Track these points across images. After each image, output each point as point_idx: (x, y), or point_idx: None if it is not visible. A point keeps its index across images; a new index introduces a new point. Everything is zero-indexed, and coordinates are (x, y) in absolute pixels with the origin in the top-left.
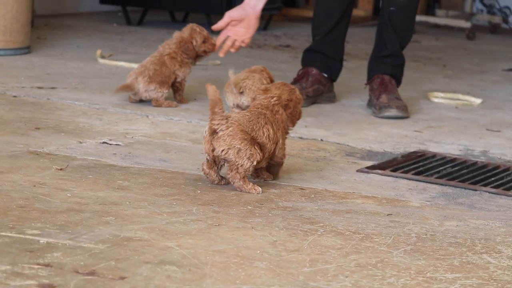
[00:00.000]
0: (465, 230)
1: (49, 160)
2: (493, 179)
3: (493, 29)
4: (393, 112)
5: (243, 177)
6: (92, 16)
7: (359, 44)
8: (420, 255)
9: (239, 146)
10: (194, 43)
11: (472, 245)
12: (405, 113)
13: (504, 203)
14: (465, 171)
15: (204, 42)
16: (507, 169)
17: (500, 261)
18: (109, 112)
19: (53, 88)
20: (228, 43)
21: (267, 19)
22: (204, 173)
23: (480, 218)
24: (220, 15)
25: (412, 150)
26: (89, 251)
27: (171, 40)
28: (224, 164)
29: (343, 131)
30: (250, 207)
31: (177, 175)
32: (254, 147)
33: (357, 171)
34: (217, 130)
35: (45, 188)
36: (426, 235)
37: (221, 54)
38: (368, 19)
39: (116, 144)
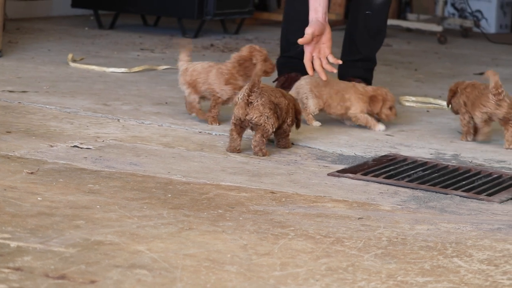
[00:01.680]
0: (436, 234)
1: (19, 163)
2: (464, 182)
3: (465, 33)
4: None
5: (264, 143)
6: (63, 20)
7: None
8: (391, 259)
9: (268, 114)
10: (255, 61)
11: (443, 249)
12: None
13: (475, 206)
14: (436, 174)
15: (265, 61)
16: (478, 173)
17: (471, 265)
18: (80, 116)
19: (24, 91)
20: (317, 63)
21: (238, 23)
22: (232, 138)
23: (451, 222)
24: (192, 19)
25: (383, 153)
26: (60, 255)
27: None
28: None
29: (314, 135)
30: (221, 211)
31: (148, 178)
32: (275, 116)
33: (328, 175)
34: (252, 101)
35: (15, 192)
36: (397, 238)
37: (323, 77)
38: (340, 23)
39: (87, 148)
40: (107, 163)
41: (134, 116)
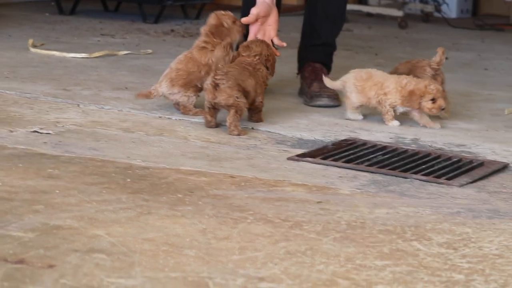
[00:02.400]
0: (395, 218)
1: None
2: (423, 166)
3: (426, 18)
4: (324, 101)
5: (238, 122)
6: (24, 6)
7: (292, 33)
8: (349, 243)
9: (237, 94)
10: (225, 25)
11: (402, 232)
12: (336, 101)
13: (434, 190)
14: (395, 158)
15: (234, 22)
16: (438, 157)
17: (430, 248)
18: (40, 101)
19: None
20: None
21: (199, 8)
22: (207, 120)
23: (411, 206)
24: (153, 5)
25: (342, 138)
26: (18, 240)
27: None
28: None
29: (274, 119)
30: (180, 195)
31: (107, 163)
32: (245, 97)
33: (288, 159)
34: (219, 84)
35: None
36: (356, 222)
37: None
38: (300, 8)
39: (46, 133)
40: (66, 148)
41: (94, 101)
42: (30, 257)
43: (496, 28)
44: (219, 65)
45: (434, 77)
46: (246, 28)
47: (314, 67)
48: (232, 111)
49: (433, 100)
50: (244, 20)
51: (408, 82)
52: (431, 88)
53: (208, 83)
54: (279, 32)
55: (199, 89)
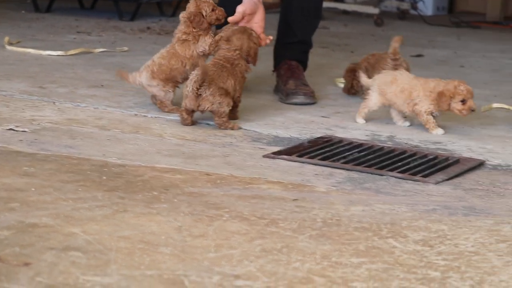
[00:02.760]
0: (371, 215)
1: None
2: (399, 164)
3: (402, 15)
4: (300, 98)
5: (226, 120)
6: (0, 3)
7: (268, 30)
8: (325, 240)
9: (219, 100)
10: (204, 13)
11: (378, 230)
12: (312, 99)
13: (410, 187)
14: (371, 156)
15: (213, 10)
16: (414, 154)
17: (406, 246)
18: (16, 99)
19: None
20: None
21: (175, 6)
22: (183, 118)
23: (386, 203)
24: (129, 2)
25: (318, 135)
26: None
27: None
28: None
29: (249, 117)
30: (155, 193)
31: (83, 161)
32: (227, 96)
33: (264, 156)
34: (201, 93)
35: None
36: (332, 220)
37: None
38: (276, 5)
39: (22, 131)
40: (42, 146)
41: (70, 99)
42: (6, 255)
43: (472, 26)
44: (200, 64)
45: (396, 66)
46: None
47: (290, 64)
48: (217, 117)
49: (463, 101)
50: (230, 19)
51: (436, 84)
52: (460, 89)
53: (189, 90)
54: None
55: (178, 84)
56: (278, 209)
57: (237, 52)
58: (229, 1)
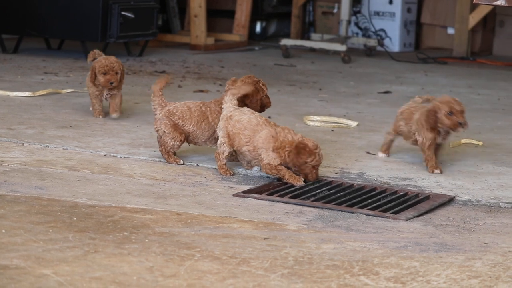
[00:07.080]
0: (342, 253)
1: None
2: (369, 201)
3: (369, 51)
4: None
5: (167, 152)
6: None
7: (235, 68)
8: (297, 278)
9: (164, 129)
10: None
11: (349, 267)
12: None
13: (381, 224)
14: (341, 193)
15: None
16: (384, 191)
17: (378, 283)
18: None
19: None
20: None
21: (142, 45)
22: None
23: (357, 240)
24: (96, 42)
25: None
26: None
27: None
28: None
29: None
30: (126, 233)
31: (53, 202)
32: (177, 132)
33: (234, 195)
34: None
35: None
36: (303, 258)
37: None
38: (243, 44)
39: None
40: (12, 187)
41: (38, 139)
42: None
43: (439, 61)
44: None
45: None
46: None
47: None
48: (160, 148)
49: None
50: None
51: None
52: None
53: None
54: (222, 68)
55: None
56: (249, 248)
57: None
58: None
